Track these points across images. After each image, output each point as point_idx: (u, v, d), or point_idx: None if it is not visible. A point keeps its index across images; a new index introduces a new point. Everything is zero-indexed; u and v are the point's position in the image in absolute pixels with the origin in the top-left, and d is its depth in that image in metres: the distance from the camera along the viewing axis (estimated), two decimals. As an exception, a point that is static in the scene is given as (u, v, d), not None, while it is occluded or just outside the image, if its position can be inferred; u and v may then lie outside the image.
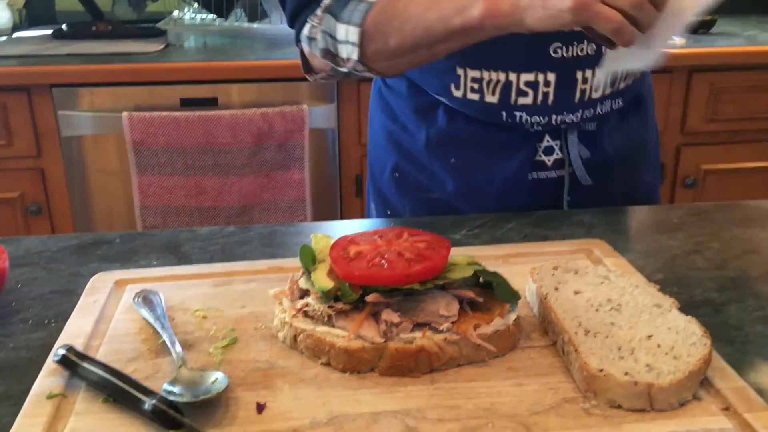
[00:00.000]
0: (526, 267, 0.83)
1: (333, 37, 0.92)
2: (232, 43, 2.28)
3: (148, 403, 0.59)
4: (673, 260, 0.90)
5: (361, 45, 0.90)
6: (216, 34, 2.36)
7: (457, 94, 1.03)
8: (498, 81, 1.00)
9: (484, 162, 1.07)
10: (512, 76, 0.99)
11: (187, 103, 2.01)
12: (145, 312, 0.75)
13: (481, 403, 0.62)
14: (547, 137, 1.05)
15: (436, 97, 1.07)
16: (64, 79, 1.98)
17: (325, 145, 2.11)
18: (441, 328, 0.67)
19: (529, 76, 0.99)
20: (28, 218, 2.10)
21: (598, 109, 1.04)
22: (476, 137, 1.06)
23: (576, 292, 0.75)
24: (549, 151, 1.05)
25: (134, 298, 0.78)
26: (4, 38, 2.34)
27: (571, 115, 1.02)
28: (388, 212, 1.18)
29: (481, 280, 0.73)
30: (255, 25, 2.32)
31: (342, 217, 2.19)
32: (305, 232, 1.00)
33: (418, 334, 0.67)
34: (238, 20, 2.35)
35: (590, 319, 0.69)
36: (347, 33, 0.90)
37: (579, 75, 0.99)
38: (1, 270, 0.80)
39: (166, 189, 2.03)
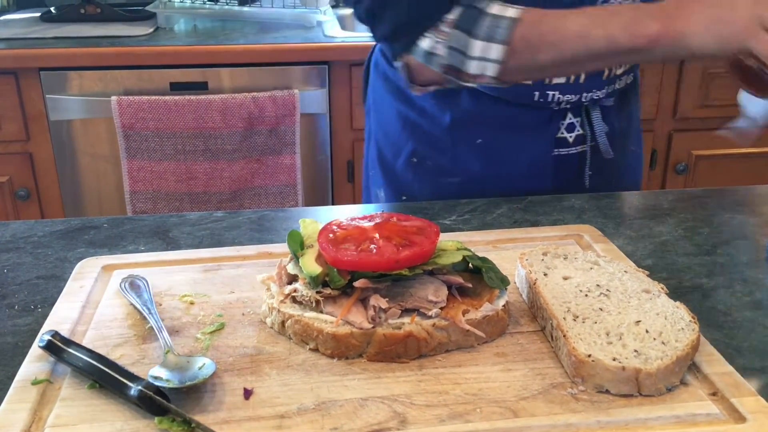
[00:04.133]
0: (515, 252, 0.83)
1: (463, 53, 0.90)
2: (223, 26, 2.26)
3: (134, 389, 0.59)
4: (663, 246, 0.90)
5: (504, 61, 0.89)
6: (206, 18, 2.34)
7: None
8: None
9: (509, 141, 1.08)
10: None
11: (177, 87, 2.00)
12: (132, 297, 0.75)
13: (469, 389, 0.62)
14: (569, 115, 1.07)
15: None
16: (52, 63, 1.96)
17: (316, 129, 2.10)
18: (430, 313, 0.67)
19: None
20: (17, 203, 2.09)
21: (617, 85, 1.07)
22: (502, 117, 1.07)
23: (565, 278, 0.75)
24: (571, 128, 1.08)
25: (121, 284, 0.77)
26: (-9, 21, 2.32)
27: (598, 92, 1.05)
28: (404, 197, 1.18)
29: (470, 265, 0.73)
30: (245, 9, 2.30)
31: (333, 203, 2.19)
32: (294, 218, 1.00)
33: (406, 319, 0.66)
34: (228, 3, 2.32)
35: (579, 304, 0.69)
36: (486, 50, 0.89)
37: None
38: None
39: (156, 174, 2.01)
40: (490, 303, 0.69)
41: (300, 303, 0.70)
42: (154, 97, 1.94)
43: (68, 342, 0.66)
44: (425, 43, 0.91)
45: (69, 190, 2.09)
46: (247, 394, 0.61)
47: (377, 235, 0.71)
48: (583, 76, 1.02)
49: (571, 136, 1.08)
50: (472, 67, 0.91)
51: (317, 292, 0.69)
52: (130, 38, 2.07)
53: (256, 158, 2.04)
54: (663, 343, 0.63)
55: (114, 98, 1.93)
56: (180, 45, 2.01)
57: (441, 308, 0.67)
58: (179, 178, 2.02)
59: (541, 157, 1.08)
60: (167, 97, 1.94)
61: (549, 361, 0.65)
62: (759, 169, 2.31)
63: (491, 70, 0.90)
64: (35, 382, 0.62)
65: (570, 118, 1.07)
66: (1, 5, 2.43)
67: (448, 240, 0.75)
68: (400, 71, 0.99)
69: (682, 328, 0.65)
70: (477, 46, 0.89)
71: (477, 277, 0.72)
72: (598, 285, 0.73)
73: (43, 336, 0.66)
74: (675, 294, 0.76)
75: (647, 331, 0.65)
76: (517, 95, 1.04)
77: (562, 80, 1.03)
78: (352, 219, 0.75)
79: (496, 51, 0.89)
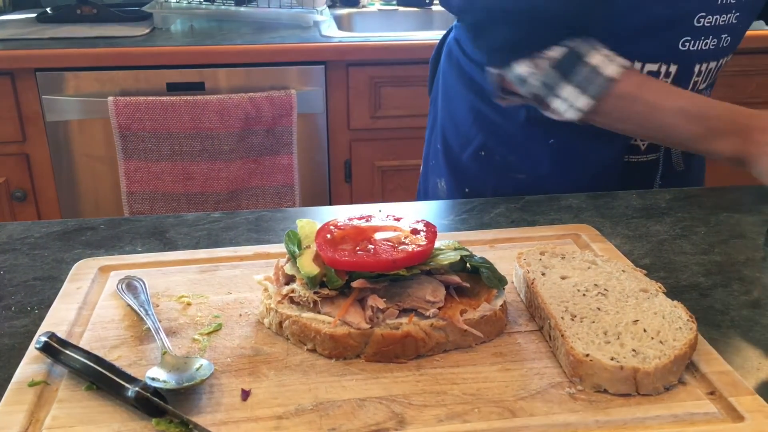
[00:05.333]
0: (513, 252, 0.83)
1: (552, 90, 0.94)
2: (219, 26, 2.26)
3: (132, 391, 0.59)
4: (660, 245, 0.90)
5: (587, 112, 0.94)
6: (203, 18, 2.33)
7: None
8: None
9: (581, 144, 1.08)
10: (637, 65, 1.00)
11: (173, 88, 1.99)
12: (129, 299, 0.74)
13: (468, 389, 0.62)
14: None
15: None
16: (48, 63, 1.95)
17: (313, 129, 2.10)
18: (427, 313, 0.67)
19: (652, 66, 1.01)
20: (13, 205, 2.08)
21: None
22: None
23: (563, 277, 0.75)
24: None
25: (118, 285, 0.77)
26: (-13, 22, 2.31)
27: None
28: (467, 189, 1.18)
29: (468, 265, 0.73)
30: (242, 9, 2.30)
31: (331, 203, 2.18)
32: (292, 218, 0.99)
33: (404, 319, 0.66)
34: (225, 4, 2.32)
35: (576, 304, 0.69)
36: (575, 96, 0.93)
37: (697, 68, 1.02)
38: None
39: (153, 174, 2.01)
40: (487, 303, 0.69)
41: (297, 303, 0.70)
42: (150, 98, 1.94)
43: (65, 343, 0.65)
44: (521, 68, 0.95)
45: (65, 191, 2.09)
46: (245, 395, 0.61)
47: (375, 236, 0.71)
48: None
49: (644, 144, 1.08)
50: (556, 104, 0.95)
51: (315, 293, 0.68)
52: (127, 39, 2.06)
53: (254, 158, 2.03)
54: (661, 342, 0.63)
55: (110, 99, 1.93)
56: (176, 45, 2.01)
57: (439, 308, 0.67)
58: (176, 179, 2.02)
59: (612, 162, 1.09)
60: (164, 98, 1.94)
61: (547, 361, 0.65)
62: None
63: (572, 114, 0.95)
64: (32, 384, 0.62)
65: None
66: (-3, 6, 2.42)
67: (445, 240, 0.75)
68: (491, 77, 1.02)
69: (680, 327, 0.65)
70: (567, 90, 0.94)
71: (475, 277, 0.72)
72: (595, 284, 0.73)
73: (39, 337, 0.66)
74: (673, 293, 0.76)
75: (645, 331, 0.65)
76: None
77: None
78: (350, 219, 0.75)
79: (583, 101, 0.93)
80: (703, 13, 0.97)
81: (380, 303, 0.67)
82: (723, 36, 1.01)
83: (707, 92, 1.11)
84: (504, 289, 0.72)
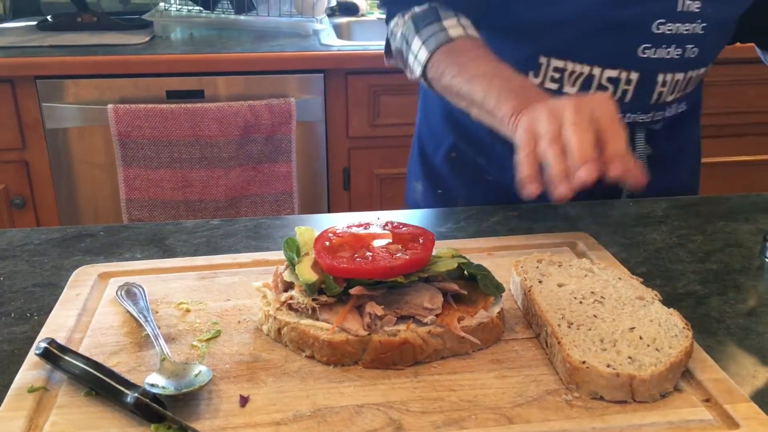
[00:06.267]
0: (510, 260, 0.83)
1: (407, 43, 0.99)
2: (219, 35, 2.27)
3: (131, 396, 0.59)
4: (657, 253, 0.91)
5: (425, 67, 0.97)
6: (202, 26, 2.34)
7: (535, 81, 1.03)
8: (581, 74, 1.01)
9: None
10: (596, 71, 1.00)
11: (173, 96, 2.00)
12: (128, 305, 0.75)
13: (465, 396, 0.62)
14: None
15: None
16: (48, 71, 1.96)
17: (312, 137, 2.11)
18: (425, 320, 0.67)
19: (612, 72, 1.00)
20: (12, 212, 2.08)
21: (667, 112, 1.06)
22: None
23: (559, 285, 0.75)
24: None
25: (117, 291, 0.78)
26: (-13, 29, 2.32)
27: (643, 116, 1.04)
28: (439, 191, 1.19)
29: (465, 272, 0.73)
30: (242, 17, 2.31)
31: (330, 211, 2.19)
32: (291, 225, 1.00)
33: (402, 326, 0.67)
34: (225, 12, 2.33)
35: (573, 311, 0.70)
36: (419, 50, 0.98)
37: (660, 77, 1.01)
38: None
39: (152, 182, 2.01)
40: (485, 310, 0.69)
41: (296, 310, 0.70)
42: (150, 105, 1.94)
43: (65, 350, 0.66)
44: (392, 22, 1.02)
45: (65, 198, 2.09)
46: (244, 401, 0.62)
47: (373, 243, 0.72)
48: (629, 96, 1.02)
49: None
50: (410, 60, 1.00)
51: (313, 300, 0.69)
52: (127, 47, 2.07)
53: (252, 166, 2.04)
54: (657, 349, 0.64)
55: (110, 106, 1.94)
56: (176, 53, 2.02)
57: (436, 315, 0.68)
58: (175, 186, 2.02)
59: None
60: (163, 105, 1.95)
61: (544, 368, 0.66)
62: (752, 177, 2.32)
63: (419, 70, 0.99)
64: (31, 390, 0.62)
65: None
66: (-3, 14, 2.43)
67: (443, 247, 0.75)
68: (386, 42, 1.08)
69: (676, 335, 0.66)
70: (416, 44, 0.98)
71: (472, 284, 0.72)
72: (592, 292, 0.73)
73: (39, 344, 0.66)
74: (669, 301, 0.76)
75: (641, 338, 0.65)
76: None
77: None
78: (348, 227, 0.76)
79: (423, 55, 0.98)
80: (662, 20, 0.96)
81: (378, 310, 0.67)
82: (688, 47, 0.99)
83: (680, 105, 1.09)
84: (501, 296, 0.72)
